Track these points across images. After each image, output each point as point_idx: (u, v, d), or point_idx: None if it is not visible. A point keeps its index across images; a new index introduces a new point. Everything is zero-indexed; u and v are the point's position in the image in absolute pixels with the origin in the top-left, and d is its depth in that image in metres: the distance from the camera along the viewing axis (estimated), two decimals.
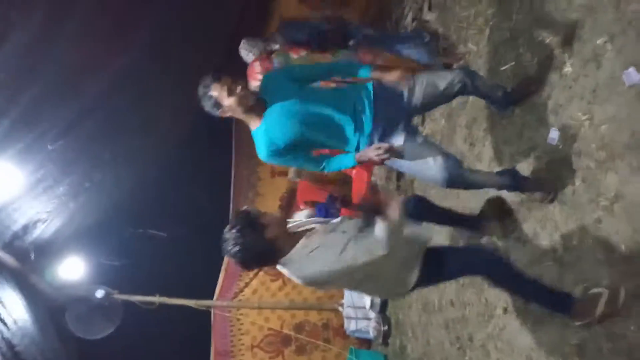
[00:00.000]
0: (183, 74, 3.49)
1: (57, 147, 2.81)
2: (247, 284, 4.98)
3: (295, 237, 1.99)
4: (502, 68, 2.79)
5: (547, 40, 2.45)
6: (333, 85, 2.84)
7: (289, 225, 2.06)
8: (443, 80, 2.29)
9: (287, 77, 2.24)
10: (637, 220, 1.89)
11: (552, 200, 2.33)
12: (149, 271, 4.66)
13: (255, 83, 3.21)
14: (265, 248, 1.88)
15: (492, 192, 2.71)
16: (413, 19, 4.06)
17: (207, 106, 2.15)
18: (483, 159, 2.94)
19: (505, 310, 2.63)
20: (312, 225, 2.06)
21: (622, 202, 1.96)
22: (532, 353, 2.39)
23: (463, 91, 2.35)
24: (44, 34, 2.07)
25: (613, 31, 2.04)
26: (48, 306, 3.99)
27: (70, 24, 2.16)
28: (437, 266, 2.07)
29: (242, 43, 3.53)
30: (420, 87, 2.26)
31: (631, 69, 1.93)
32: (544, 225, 2.38)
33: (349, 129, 2.24)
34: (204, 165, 4.83)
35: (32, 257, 3.56)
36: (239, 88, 2.11)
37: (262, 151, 2.24)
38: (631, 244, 1.91)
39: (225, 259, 4.92)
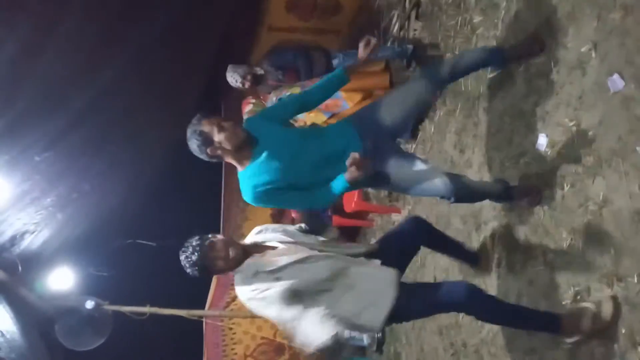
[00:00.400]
0: (171, 85, 3.49)
1: (44, 159, 2.78)
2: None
3: (250, 251, 2.11)
4: (490, 75, 2.82)
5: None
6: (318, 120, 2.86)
7: (253, 240, 2.18)
8: (413, 94, 2.34)
9: (266, 119, 2.28)
10: (625, 224, 1.91)
11: (538, 203, 2.37)
12: (139, 281, 4.62)
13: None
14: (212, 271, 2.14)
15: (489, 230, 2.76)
16: (400, 28, 4.09)
17: (196, 144, 2.12)
18: (473, 165, 2.97)
19: None
20: (276, 244, 2.13)
21: (610, 206, 1.99)
22: (525, 358, 2.40)
23: (441, 89, 2.46)
24: (30, 46, 2.06)
25: (596, 39, 2.07)
26: (37, 318, 3.94)
27: (57, 36, 2.16)
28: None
29: (228, 68, 3.63)
30: (390, 108, 2.30)
31: (615, 76, 1.96)
32: (534, 231, 2.41)
33: (338, 168, 2.16)
34: (193, 175, 4.81)
35: (20, 269, 3.52)
36: (229, 124, 2.12)
37: (247, 195, 2.21)
38: (620, 248, 1.93)
39: None
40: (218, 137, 2.08)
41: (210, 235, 2.12)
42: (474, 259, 2.66)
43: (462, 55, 2.45)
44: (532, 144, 2.42)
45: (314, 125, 2.45)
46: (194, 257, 2.04)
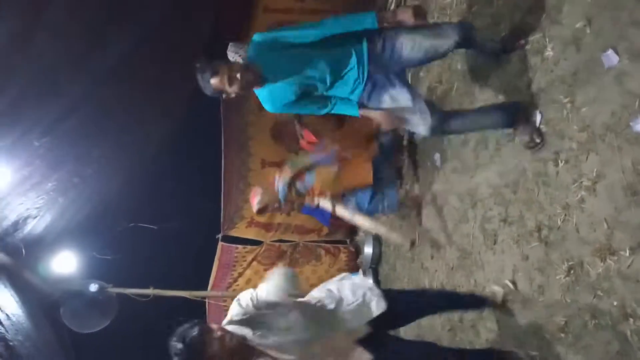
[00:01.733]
0: (170, 65, 3.48)
1: (44, 144, 2.79)
2: (240, 274, 5.01)
3: (247, 356, 1.95)
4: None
5: (528, 25, 2.47)
6: None
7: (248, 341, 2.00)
8: (436, 45, 2.32)
9: (279, 45, 2.28)
10: (618, 198, 1.94)
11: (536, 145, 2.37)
12: (142, 264, 4.67)
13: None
14: None
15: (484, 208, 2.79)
16: (397, 6, 4.07)
17: (210, 93, 2.25)
18: (469, 143, 2.98)
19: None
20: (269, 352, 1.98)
21: (603, 181, 2.01)
22: (520, 332, 2.45)
23: (457, 48, 2.43)
24: (26, 29, 2.06)
25: (590, 14, 2.07)
26: (42, 301, 4.00)
27: (54, 19, 2.15)
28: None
29: (229, 46, 3.64)
30: (413, 50, 2.31)
31: (609, 52, 1.96)
32: (529, 207, 2.43)
33: (349, 77, 2.32)
34: (194, 157, 4.83)
35: (24, 253, 3.56)
36: (237, 74, 2.19)
37: (268, 106, 2.41)
38: (612, 222, 1.96)
39: (219, 249, 4.95)
40: (231, 89, 2.21)
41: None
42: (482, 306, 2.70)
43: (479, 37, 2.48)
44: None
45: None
46: (190, 334, 1.86)
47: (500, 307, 2.58)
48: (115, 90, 3.02)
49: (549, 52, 2.31)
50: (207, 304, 4.85)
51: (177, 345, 1.84)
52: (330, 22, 2.31)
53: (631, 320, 1.87)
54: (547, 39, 2.32)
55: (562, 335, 2.18)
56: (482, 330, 2.77)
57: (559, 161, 2.23)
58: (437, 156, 3.36)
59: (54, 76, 2.49)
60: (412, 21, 2.29)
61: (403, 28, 2.33)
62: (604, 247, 1.99)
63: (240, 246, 5.01)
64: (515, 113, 2.45)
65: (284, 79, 2.29)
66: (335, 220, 4.97)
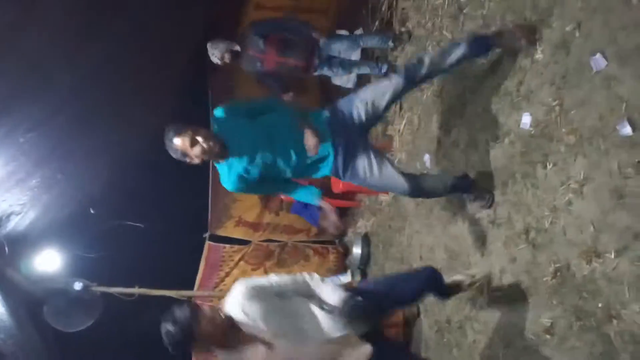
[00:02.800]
0: (158, 66, 3.45)
1: (28, 140, 2.75)
2: (227, 274, 4.97)
3: (237, 337, 1.96)
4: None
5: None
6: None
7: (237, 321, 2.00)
8: (389, 92, 2.37)
9: (235, 115, 2.31)
10: (605, 201, 1.95)
11: (489, 207, 2.62)
12: (128, 263, 4.61)
13: None
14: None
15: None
16: (389, 7, 4.07)
17: (174, 155, 2.23)
18: (459, 145, 2.99)
19: (481, 292, 2.70)
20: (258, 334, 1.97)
21: (590, 184, 2.03)
22: (507, 332, 2.47)
23: (410, 88, 2.48)
24: (14, 25, 2.02)
25: (580, 18, 2.09)
26: (25, 300, 3.93)
27: (42, 15, 2.11)
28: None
29: (208, 45, 3.65)
30: (365, 106, 2.37)
31: (598, 55, 1.98)
32: (517, 209, 2.45)
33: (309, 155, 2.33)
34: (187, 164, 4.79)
35: (6, 250, 3.50)
36: (200, 138, 2.15)
37: (227, 184, 2.36)
38: (599, 225, 1.98)
39: (206, 248, 4.91)
40: (192, 151, 2.18)
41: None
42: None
43: (443, 53, 2.41)
44: (516, 123, 2.45)
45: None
46: (182, 316, 1.90)
47: (488, 307, 2.59)
48: (102, 88, 2.98)
49: (539, 55, 2.33)
50: (194, 302, 4.81)
51: (167, 326, 1.87)
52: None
53: (615, 322, 1.89)
54: (537, 42, 2.34)
55: (548, 336, 2.20)
56: (470, 331, 2.78)
57: (548, 164, 2.25)
58: (427, 157, 3.37)
59: (41, 73, 2.45)
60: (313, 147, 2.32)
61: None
62: (590, 250, 2.01)
63: (227, 245, 4.98)
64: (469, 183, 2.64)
65: (246, 154, 2.25)
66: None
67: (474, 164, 2.82)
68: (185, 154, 2.20)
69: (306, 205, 4.82)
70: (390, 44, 3.86)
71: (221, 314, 1.97)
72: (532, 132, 2.36)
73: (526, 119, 2.38)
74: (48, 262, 4.14)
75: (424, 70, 2.37)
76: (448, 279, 2.64)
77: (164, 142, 2.22)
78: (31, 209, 3.41)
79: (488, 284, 2.62)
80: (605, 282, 1.94)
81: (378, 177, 2.37)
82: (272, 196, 4.96)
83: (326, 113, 2.39)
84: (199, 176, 4.79)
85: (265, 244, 5.07)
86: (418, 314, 3.34)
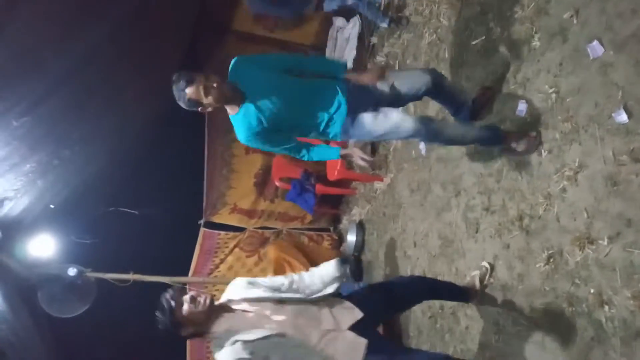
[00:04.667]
0: (152, 50, 3.41)
1: (22, 124, 2.72)
2: (222, 260, 4.98)
3: (224, 315, 2.01)
4: (473, 42, 2.82)
5: (516, 15, 2.48)
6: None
7: (223, 301, 2.08)
8: (410, 85, 2.32)
9: (258, 66, 2.23)
10: (599, 188, 1.97)
11: (538, 146, 2.30)
12: (122, 249, 4.60)
13: None
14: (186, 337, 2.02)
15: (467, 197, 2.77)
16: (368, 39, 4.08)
17: (185, 105, 2.15)
18: None
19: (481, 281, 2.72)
20: (247, 308, 2.04)
21: (585, 171, 2.05)
22: (499, 318, 2.49)
23: (428, 94, 2.41)
24: (3, 6, 1.99)
25: (577, 5, 2.09)
26: (19, 285, 3.92)
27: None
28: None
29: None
30: (388, 91, 2.31)
31: (595, 42, 1.98)
32: (512, 196, 2.46)
33: (323, 116, 2.28)
34: (177, 142, 4.76)
35: (0, 235, 3.48)
36: (214, 84, 2.09)
37: (241, 134, 2.27)
38: (592, 212, 2.00)
39: (201, 235, 4.91)
40: (206, 100, 2.11)
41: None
42: (464, 295, 2.62)
43: (451, 86, 2.49)
44: (512, 111, 2.45)
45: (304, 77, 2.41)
46: (164, 303, 1.98)
47: (481, 294, 2.62)
48: (96, 72, 2.95)
49: (535, 42, 2.32)
50: (187, 289, 4.82)
51: (157, 313, 1.98)
52: (309, 58, 2.35)
53: (607, 307, 1.91)
54: (534, 29, 2.33)
55: (541, 322, 2.22)
56: (462, 317, 2.81)
57: (543, 151, 2.26)
58: (422, 145, 3.37)
59: (35, 55, 2.42)
60: (375, 82, 2.27)
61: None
62: (583, 236, 2.03)
63: (222, 232, 4.97)
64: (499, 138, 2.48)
65: (262, 99, 2.18)
66: (318, 208, 4.98)
67: (469, 152, 2.83)
68: (198, 103, 2.12)
69: (301, 193, 4.82)
70: (385, 24, 3.86)
71: (204, 298, 2.00)
72: (528, 120, 2.36)
73: (522, 107, 2.39)
74: (42, 247, 4.13)
75: (445, 85, 2.40)
76: (466, 278, 2.68)
77: (172, 93, 2.13)
78: (25, 194, 3.39)
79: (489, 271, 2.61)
80: (597, 268, 1.96)
81: (383, 121, 2.27)
82: (259, 177, 4.97)
83: (342, 87, 2.29)
84: (194, 163, 4.78)
85: (260, 231, 5.07)
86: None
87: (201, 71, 2.14)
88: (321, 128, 2.31)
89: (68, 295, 4.26)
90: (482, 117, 2.62)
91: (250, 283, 2.14)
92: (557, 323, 2.14)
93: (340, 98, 2.26)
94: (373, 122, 2.27)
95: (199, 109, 2.16)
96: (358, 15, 4.47)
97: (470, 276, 2.66)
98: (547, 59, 2.26)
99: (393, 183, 3.89)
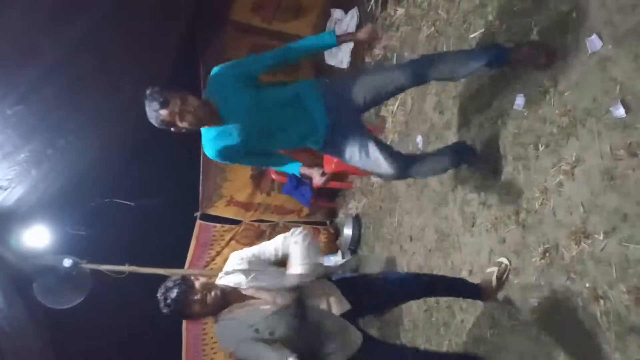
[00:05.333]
0: (147, 37, 3.38)
1: (16, 112, 2.69)
2: (218, 253, 4.98)
3: (233, 299, 2.05)
4: (471, 35, 2.81)
5: (515, 8, 2.47)
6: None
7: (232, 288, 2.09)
8: (393, 82, 2.23)
9: (231, 78, 2.14)
10: (595, 183, 1.96)
11: (495, 174, 2.48)
12: (118, 241, 4.59)
13: None
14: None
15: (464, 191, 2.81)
16: None
17: (157, 125, 2.06)
18: (451, 127, 2.99)
19: (470, 272, 2.73)
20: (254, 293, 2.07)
21: (582, 166, 2.04)
22: (494, 312, 2.49)
23: (416, 84, 2.33)
24: None
25: None
26: (14, 275, 3.91)
27: None
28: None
29: None
30: (364, 91, 2.23)
31: (594, 36, 1.97)
32: (508, 191, 2.46)
33: (305, 125, 2.25)
34: (172, 133, 4.74)
35: None
36: (190, 109, 2.00)
37: (210, 151, 2.23)
38: (589, 206, 1.99)
39: (197, 227, 4.90)
40: (181, 124, 2.03)
41: (191, 277, 2.08)
42: (477, 293, 2.50)
43: (455, 59, 2.27)
44: (510, 104, 2.44)
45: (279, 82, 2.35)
46: (171, 296, 1.97)
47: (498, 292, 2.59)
48: (91, 60, 2.92)
49: (534, 36, 2.31)
50: (194, 279, 4.81)
51: (161, 307, 1.98)
52: (291, 46, 2.20)
53: (601, 301, 1.91)
54: (532, 23, 2.32)
55: (535, 316, 2.22)
56: (458, 311, 2.81)
57: (540, 145, 2.25)
58: (419, 139, 3.36)
59: (29, 42, 2.40)
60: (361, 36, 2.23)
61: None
62: (579, 231, 2.02)
63: (218, 225, 4.96)
64: (467, 153, 2.59)
65: (239, 124, 2.13)
66: (315, 202, 4.97)
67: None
68: (171, 125, 2.03)
69: (297, 186, 4.81)
70: None
71: (212, 292, 2.01)
72: (526, 114, 2.35)
73: (520, 100, 2.38)
74: (37, 238, 4.11)
75: (433, 75, 2.24)
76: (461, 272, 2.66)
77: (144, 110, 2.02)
78: (19, 184, 3.37)
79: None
80: (593, 262, 1.96)
81: (364, 160, 2.29)
82: (256, 169, 4.96)
83: (320, 89, 2.26)
84: (190, 155, 4.76)
85: (256, 224, 5.06)
86: None
87: (176, 92, 2.01)
88: (302, 141, 2.31)
89: (63, 286, 4.24)
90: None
91: (245, 270, 2.14)
92: (552, 317, 2.14)
93: (319, 107, 2.23)
94: (354, 156, 2.30)
95: (172, 129, 2.08)
96: (356, 7, 4.44)
97: (486, 272, 2.49)
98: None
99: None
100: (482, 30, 2.72)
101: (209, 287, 2.03)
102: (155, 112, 2.00)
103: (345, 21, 4.53)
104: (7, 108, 2.57)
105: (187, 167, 4.81)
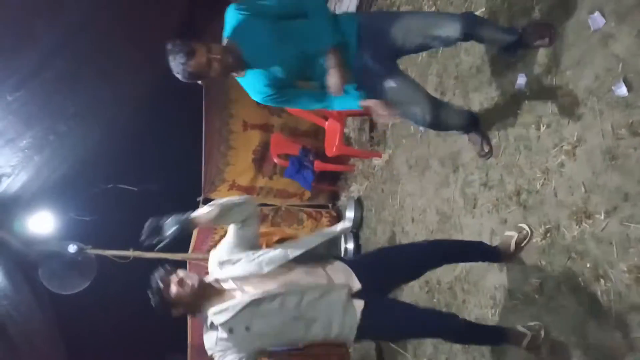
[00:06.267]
0: (146, 21, 3.36)
1: (17, 98, 2.69)
2: (222, 237, 5.00)
3: (210, 295, 1.97)
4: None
5: None
6: None
7: (211, 280, 2.02)
8: (438, 30, 2.08)
9: (254, 15, 2.01)
10: (597, 162, 1.96)
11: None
12: (122, 226, 4.62)
13: None
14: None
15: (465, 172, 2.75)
16: None
17: (186, 79, 1.98)
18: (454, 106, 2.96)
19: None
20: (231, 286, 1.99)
21: (583, 146, 2.03)
22: (496, 293, 2.51)
23: (462, 41, 2.18)
24: None
25: None
26: (19, 261, 3.95)
27: None
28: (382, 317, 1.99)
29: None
30: (407, 32, 2.08)
31: (596, 14, 1.94)
32: (509, 171, 2.45)
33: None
34: (174, 117, 4.73)
35: None
36: (217, 56, 1.92)
37: (255, 97, 2.16)
38: (590, 186, 1.99)
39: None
40: (211, 73, 1.95)
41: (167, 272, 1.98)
42: (496, 255, 2.38)
43: (497, 28, 2.22)
44: (511, 84, 2.42)
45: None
46: (152, 286, 1.95)
47: (479, 269, 2.63)
48: (91, 43, 2.91)
49: (536, 14, 2.28)
50: (187, 266, 4.85)
51: (148, 292, 1.95)
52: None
53: (602, 281, 1.92)
54: (535, 1, 2.29)
55: (537, 296, 2.23)
56: (459, 291, 2.83)
57: (541, 125, 2.24)
58: None
59: (27, 27, 2.39)
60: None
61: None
62: (580, 211, 2.02)
63: None
64: (472, 122, 2.51)
65: (265, 60, 2.02)
66: (317, 185, 4.98)
67: None
68: (201, 76, 1.96)
69: (299, 170, 4.81)
70: None
71: (191, 279, 1.96)
72: (527, 93, 2.34)
73: (521, 80, 2.36)
74: (42, 224, 4.14)
75: (480, 34, 2.12)
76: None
77: (168, 63, 1.93)
78: (22, 170, 3.39)
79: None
80: (594, 242, 1.96)
81: (400, 94, 2.15)
82: (258, 153, 4.90)
83: (356, 23, 2.09)
84: (192, 140, 4.76)
85: (258, 207, 5.07)
86: None
87: (200, 40, 1.95)
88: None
89: (68, 271, 4.28)
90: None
91: (224, 261, 2.02)
92: (552, 297, 2.15)
93: (350, 31, 2.08)
94: (391, 89, 2.14)
95: (200, 80, 2.01)
96: None
97: (505, 235, 2.38)
98: None
99: (391, 159, 3.87)
100: (484, 9, 2.68)
101: (187, 274, 1.97)
102: (182, 65, 1.91)
103: (345, 2, 4.48)
104: (7, 94, 2.57)
105: (189, 152, 4.82)
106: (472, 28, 2.09)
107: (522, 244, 2.32)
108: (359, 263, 2.14)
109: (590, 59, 1.99)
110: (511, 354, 2.33)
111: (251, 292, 1.94)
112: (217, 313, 1.91)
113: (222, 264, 2.00)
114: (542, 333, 2.14)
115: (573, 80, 2.07)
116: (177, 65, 1.92)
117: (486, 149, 2.58)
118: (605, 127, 1.91)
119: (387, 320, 1.99)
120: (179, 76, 1.97)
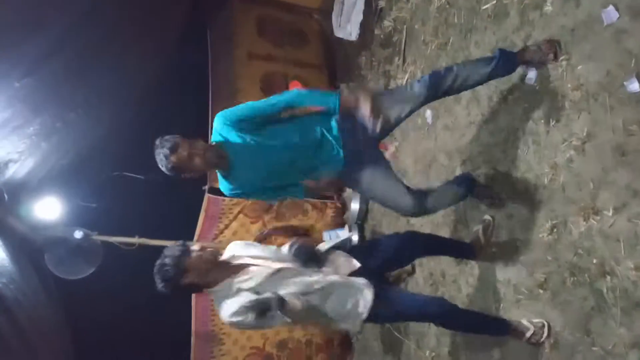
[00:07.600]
0: (158, 7, 3.35)
1: (25, 84, 2.69)
2: (227, 226, 5.01)
3: (228, 269, 2.08)
4: (484, 7, 2.74)
5: None
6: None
7: (226, 257, 2.14)
8: (410, 102, 2.19)
9: (234, 123, 2.13)
10: (606, 159, 1.94)
11: (497, 205, 2.52)
12: (128, 213, 4.64)
13: None
14: (185, 288, 2.04)
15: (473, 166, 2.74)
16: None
17: (168, 172, 2.08)
18: (461, 100, 2.95)
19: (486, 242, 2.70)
20: (250, 262, 2.11)
21: (593, 141, 2.01)
22: (500, 287, 2.51)
23: (431, 100, 2.29)
24: None
25: None
26: (26, 247, 3.98)
27: None
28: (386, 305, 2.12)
29: None
30: (386, 112, 2.15)
31: (610, 8, 1.92)
32: (517, 167, 2.44)
33: (317, 162, 2.21)
34: (182, 106, 4.73)
35: (5, 198, 3.51)
36: (199, 152, 2.04)
37: (225, 190, 2.27)
38: (599, 182, 1.97)
39: (205, 200, 4.94)
40: (191, 166, 2.06)
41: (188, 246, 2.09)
42: (469, 251, 2.60)
43: (465, 69, 2.20)
44: (521, 78, 2.40)
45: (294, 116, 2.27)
46: (169, 270, 2.00)
47: (484, 263, 2.63)
48: (99, 31, 2.90)
49: (548, 7, 2.25)
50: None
51: (160, 260, 2.05)
52: (295, 93, 2.16)
53: (608, 277, 1.92)
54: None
55: (541, 291, 2.23)
56: (464, 285, 2.83)
57: (551, 120, 2.22)
58: (428, 113, 3.33)
59: (36, 13, 2.38)
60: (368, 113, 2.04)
61: None
62: (588, 207, 2.01)
63: (227, 198, 4.99)
64: (474, 185, 2.54)
65: (246, 171, 2.15)
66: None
67: (476, 120, 2.79)
68: (182, 169, 2.07)
69: None
70: None
71: (209, 252, 2.07)
72: (537, 88, 2.32)
73: (532, 74, 2.34)
74: (48, 210, 4.17)
75: (448, 82, 2.17)
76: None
77: (154, 156, 2.09)
78: (30, 156, 3.39)
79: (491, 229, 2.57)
80: (601, 239, 1.96)
81: (381, 188, 2.26)
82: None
83: (334, 121, 2.20)
84: (200, 127, 4.75)
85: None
86: (413, 271, 3.39)
87: (185, 137, 2.08)
88: (316, 170, 2.23)
89: (75, 257, 4.31)
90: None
91: (248, 244, 2.25)
92: (558, 293, 2.15)
93: (331, 133, 2.19)
94: (371, 184, 2.26)
95: (183, 175, 2.10)
96: None
97: (473, 231, 2.61)
98: (559, 25, 2.19)
99: (398, 151, 3.86)
100: (494, 2, 2.65)
101: (205, 247, 2.11)
102: (165, 158, 2.04)
103: (351, 1, 4.45)
104: (15, 80, 2.57)
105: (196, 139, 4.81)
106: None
107: (488, 232, 2.55)
108: (352, 250, 2.33)
109: (603, 53, 1.97)
110: (514, 347, 2.34)
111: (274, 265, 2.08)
112: (244, 280, 2.02)
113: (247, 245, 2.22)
114: (546, 329, 2.16)
115: (584, 75, 2.05)
116: (160, 158, 2.06)
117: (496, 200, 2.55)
118: (615, 123, 1.90)
119: (393, 304, 2.14)
120: (162, 169, 2.10)
